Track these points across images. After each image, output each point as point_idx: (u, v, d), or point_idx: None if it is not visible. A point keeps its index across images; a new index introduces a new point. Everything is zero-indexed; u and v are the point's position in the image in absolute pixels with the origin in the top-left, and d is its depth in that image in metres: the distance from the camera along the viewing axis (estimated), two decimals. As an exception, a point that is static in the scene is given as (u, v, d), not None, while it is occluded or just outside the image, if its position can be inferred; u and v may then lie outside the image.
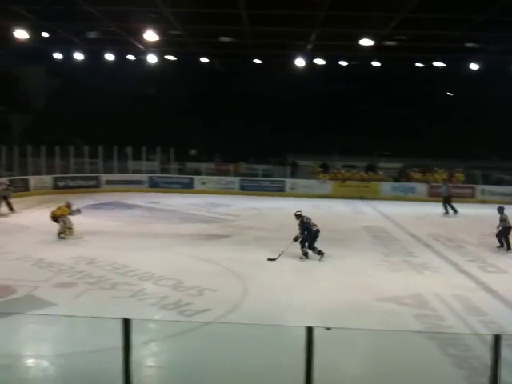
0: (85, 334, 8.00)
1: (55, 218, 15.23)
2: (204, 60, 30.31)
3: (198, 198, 24.54)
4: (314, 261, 13.41)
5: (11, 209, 19.27)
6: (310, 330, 4.87)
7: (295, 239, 13.30)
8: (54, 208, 15.82)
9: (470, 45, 23.28)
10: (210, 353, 7.19)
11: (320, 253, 13.32)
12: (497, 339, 4.81)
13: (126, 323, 4.93)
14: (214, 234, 16.61)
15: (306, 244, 13.36)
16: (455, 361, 7.57)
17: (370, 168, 29.43)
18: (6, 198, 19.18)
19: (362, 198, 26.19)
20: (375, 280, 11.82)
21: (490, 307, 10.10)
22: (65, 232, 15.10)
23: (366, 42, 22.17)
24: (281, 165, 29.04)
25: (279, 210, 21.99)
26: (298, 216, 13.60)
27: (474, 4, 17.19)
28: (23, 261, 12.48)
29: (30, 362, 7.63)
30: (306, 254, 13.37)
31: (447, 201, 22.32)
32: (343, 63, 29.30)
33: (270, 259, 13.12)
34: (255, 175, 28.20)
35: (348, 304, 10.00)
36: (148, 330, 8.78)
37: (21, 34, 21.23)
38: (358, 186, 27.27)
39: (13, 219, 18.43)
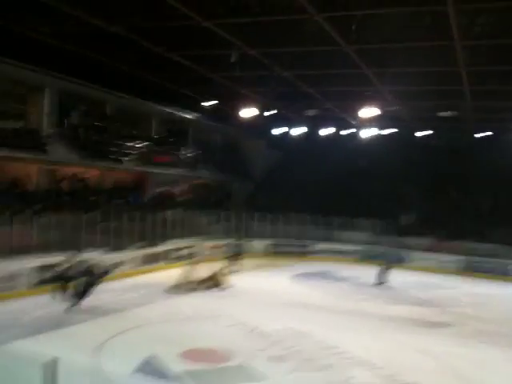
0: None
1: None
2: (419, 134, 29.69)
3: (412, 276, 22.78)
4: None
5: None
6: None
7: None
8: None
9: None
10: None
11: None
12: None
13: None
14: (428, 320, 15.11)
15: None
16: None
17: None
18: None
19: None
20: None
21: None
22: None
23: None
24: (507, 244, 25.73)
25: (506, 298, 19.36)
26: None
27: None
28: (237, 327, 12.88)
29: None
30: None
31: None
32: None
33: None
34: (480, 255, 25.25)
35: None
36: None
37: (247, 112, 23.35)
38: None
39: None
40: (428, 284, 21.47)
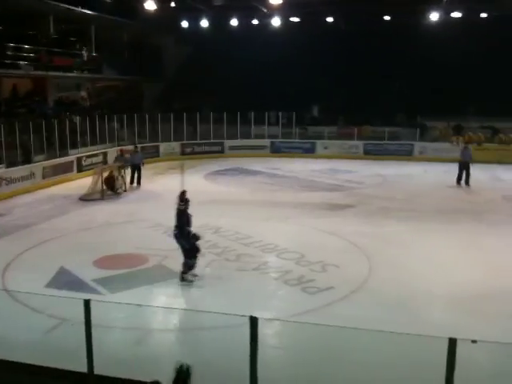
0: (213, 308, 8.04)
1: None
2: (329, 19, 29.34)
3: (319, 164, 24.14)
4: (443, 236, 12.55)
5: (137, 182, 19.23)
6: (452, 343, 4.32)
7: None
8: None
9: None
10: (335, 338, 6.86)
11: None
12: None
13: (253, 322, 4.77)
14: (337, 203, 16.20)
15: None
16: None
17: (458, 128, 26.37)
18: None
19: (500, 162, 23.92)
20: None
21: None
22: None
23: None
24: (409, 127, 27.35)
25: (408, 177, 20.92)
26: None
27: None
28: (155, 229, 13.15)
29: (159, 335, 7.98)
30: None
31: None
32: (484, 15, 26.61)
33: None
34: (381, 138, 26.98)
35: (484, 289, 9.18)
36: (272, 306, 8.86)
37: (150, 4, 21.95)
38: (496, 149, 24.93)
39: (145, 186, 19.13)
40: (335, 170, 22.75)
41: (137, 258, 10.90)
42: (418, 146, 26.01)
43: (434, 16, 25.39)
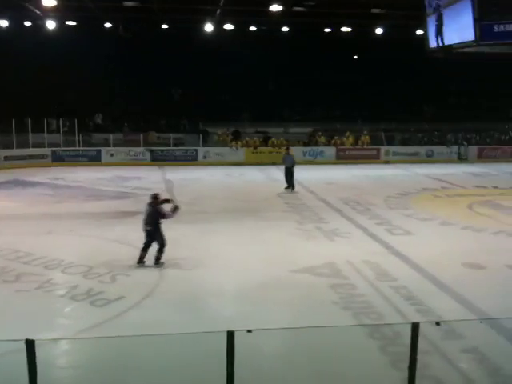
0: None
1: None
2: (107, 25, 28.69)
3: (106, 172, 23.44)
4: (229, 234, 13.35)
5: None
6: (230, 335, 4.64)
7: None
8: None
9: (376, 10, 23.87)
10: (129, 348, 6.77)
11: None
12: (415, 328, 4.90)
13: (30, 345, 4.38)
14: (124, 211, 15.94)
15: None
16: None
17: (236, 134, 29.09)
18: None
19: (274, 163, 26.42)
20: (290, 251, 11.99)
21: (398, 271, 10.59)
22: None
23: (275, 7, 22.07)
24: (193, 133, 28.41)
25: (194, 181, 21.65)
26: None
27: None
28: None
29: None
30: None
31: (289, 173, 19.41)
32: (253, 28, 29.07)
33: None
34: (166, 145, 27.44)
35: (266, 279, 10.03)
36: (58, 325, 8.32)
37: None
38: (270, 151, 27.45)
39: None
40: (123, 177, 22.36)
41: None
42: (201, 151, 27.13)
43: (209, 27, 26.72)
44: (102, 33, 29.23)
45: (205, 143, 27.73)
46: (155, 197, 10.88)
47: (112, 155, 26.40)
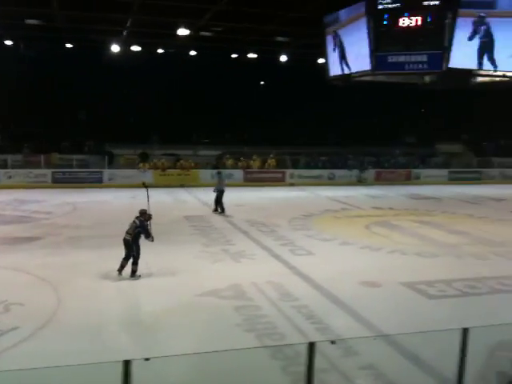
0: None
1: None
2: (8, 43, 27.36)
3: (3, 195, 22.12)
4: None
5: None
6: (126, 364, 4.55)
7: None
8: None
9: (280, 38, 24.83)
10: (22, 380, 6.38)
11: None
12: (311, 347, 5.07)
13: None
14: (21, 236, 15.10)
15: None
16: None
17: (144, 155, 29.03)
18: None
19: (182, 185, 26.36)
20: (195, 274, 11.94)
21: (300, 291, 10.91)
22: None
23: (182, 31, 22.27)
24: (98, 154, 27.64)
25: (98, 204, 21.00)
26: None
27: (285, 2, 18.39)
28: None
29: None
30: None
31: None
32: (161, 51, 29.07)
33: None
34: (70, 166, 26.46)
35: (170, 305, 9.91)
36: None
37: None
38: (178, 174, 27.34)
39: None
40: (21, 201, 21.27)
41: None
42: (107, 173, 26.47)
43: (115, 48, 26.35)
44: (4, 50, 27.84)
45: (110, 165, 27.07)
46: (144, 212, 11.62)
47: (10, 177, 24.99)
